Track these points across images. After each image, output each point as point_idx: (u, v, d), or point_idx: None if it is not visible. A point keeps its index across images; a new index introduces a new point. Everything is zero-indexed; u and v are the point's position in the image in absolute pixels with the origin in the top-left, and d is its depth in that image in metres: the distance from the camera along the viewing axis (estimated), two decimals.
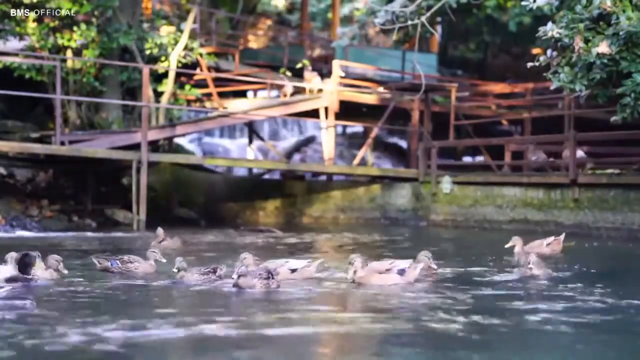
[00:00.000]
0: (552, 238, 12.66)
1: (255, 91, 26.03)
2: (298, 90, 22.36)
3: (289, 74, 23.80)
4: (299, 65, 23.42)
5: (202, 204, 21.24)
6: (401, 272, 8.83)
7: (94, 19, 19.80)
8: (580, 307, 7.43)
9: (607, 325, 6.72)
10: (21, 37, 19.48)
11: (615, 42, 10.86)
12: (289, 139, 27.43)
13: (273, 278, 8.47)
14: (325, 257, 11.50)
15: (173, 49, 20.83)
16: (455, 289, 8.46)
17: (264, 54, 28.97)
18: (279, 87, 23.22)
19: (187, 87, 21.77)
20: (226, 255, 11.30)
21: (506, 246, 12.26)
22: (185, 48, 21.23)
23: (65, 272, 8.96)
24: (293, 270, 9.12)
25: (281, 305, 7.49)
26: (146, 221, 16.79)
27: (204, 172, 22.86)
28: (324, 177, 23.19)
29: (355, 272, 8.70)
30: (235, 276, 8.39)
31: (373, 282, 8.69)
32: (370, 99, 22.52)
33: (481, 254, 12.16)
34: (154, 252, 9.84)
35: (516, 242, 12.33)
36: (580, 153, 17.88)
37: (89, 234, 15.67)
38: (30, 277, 8.62)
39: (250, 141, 23.06)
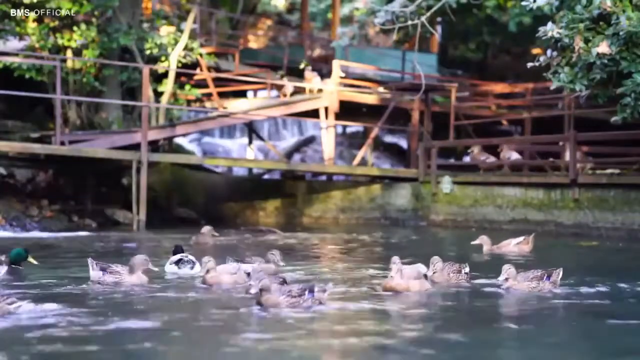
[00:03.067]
0: (521, 238, 12.65)
1: (255, 91, 26.01)
2: (298, 90, 22.35)
3: (285, 78, 23.77)
4: (302, 66, 23.43)
5: (202, 204, 21.23)
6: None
7: (94, 19, 19.79)
8: None
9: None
10: (21, 37, 19.48)
11: (615, 42, 10.85)
12: (289, 139, 27.41)
13: (311, 294, 7.31)
14: (326, 260, 11.50)
15: (173, 49, 20.82)
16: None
17: (264, 54, 28.94)
18: (279, 87, 23.21)
19: (187, 87, 21.76)
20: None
21: (472, 243, 12.26)
22: (185, 48, 21.22)
23: (156, 269, 8.95)
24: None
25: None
26: (146, 221, 16.81)
27: (204, 172, 22.85)
28: (324, 177, 23.18)
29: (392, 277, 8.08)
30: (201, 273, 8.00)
31: (412, 289, 8.16)
32: (370, 99, 22.51)
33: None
34: (273, 254, 9.52)
35: (483, 242, 12.30)
36: (516, 155, 18.07)
37: (89, 234, 15.67)
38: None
39: (250, 141, 23.05)
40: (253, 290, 7.28)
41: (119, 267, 8.64)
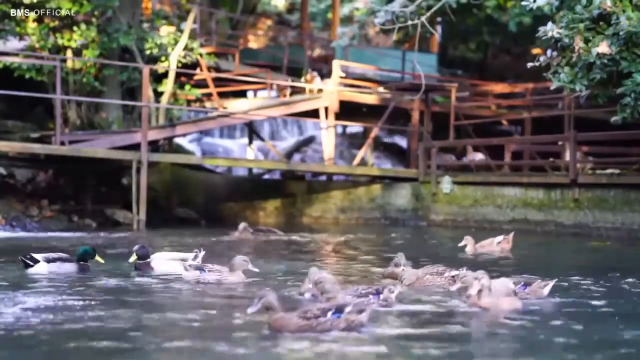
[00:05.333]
0: (501, 237, 12.66)
1: (255, 91, 26.01)
2: (298, 90, 22.35)
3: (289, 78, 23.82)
4: (304, 72, 23.46)
5: (202, 204, 21.24)
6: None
7: (94, 19, 19.80)
8: None
9: None
10: (21, 37, 19.47)
11: (615, 42, 10.84)
12: (289, 139, 27.41)
13: (337, 314, 5.93)
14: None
15: (173, 49, 20.82)
16: None
17: (264, 54, 28.95)
18: (279, 88, 23.21)
19: (187, 87, 21.76)
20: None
21: (459, 245, 12.24)
22: (185, 48, 21.22)
23: (256, 270, 8.87)
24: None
25: None
26: (146, 221, 16.81)
27: (204, 172, 22.85)
28: (324, 177, 23.18)
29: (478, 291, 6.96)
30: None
31: (504, 308, 7.07)
32: (370, 99, 22.51)
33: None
34: (398, 257, 8.96)
35: (468, 242, 12.30)
36: (480, 156, 18.25)
37: (89, 234, 15.67)
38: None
39: (250, 141, 23.05)
40: (250, 310, 6.03)
41: (217, 266, 8.86)
